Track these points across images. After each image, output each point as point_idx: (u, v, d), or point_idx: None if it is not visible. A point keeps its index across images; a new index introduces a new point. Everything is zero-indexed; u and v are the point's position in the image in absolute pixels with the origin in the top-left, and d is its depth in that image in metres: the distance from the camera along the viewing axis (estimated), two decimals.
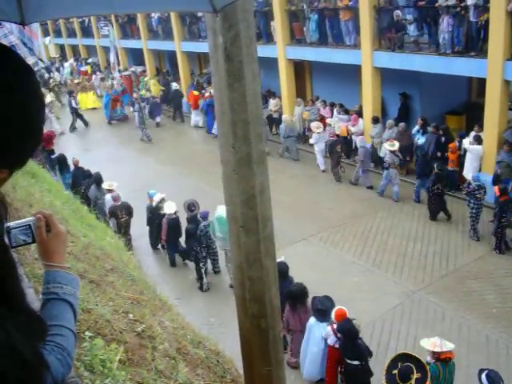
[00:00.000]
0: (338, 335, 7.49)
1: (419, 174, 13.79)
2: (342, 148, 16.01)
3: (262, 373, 3.34)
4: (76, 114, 24.91)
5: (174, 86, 24.65)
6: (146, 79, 26.91)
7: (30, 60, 9.11)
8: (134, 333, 3.27)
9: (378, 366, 7.36)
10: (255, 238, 3.03)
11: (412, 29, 14.67)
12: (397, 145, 14.02)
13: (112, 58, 25.64)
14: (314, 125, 16.89)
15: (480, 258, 11.12)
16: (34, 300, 2.40)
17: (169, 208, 11.45)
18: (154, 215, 12.21)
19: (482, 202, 11.59)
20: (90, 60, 35.40)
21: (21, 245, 1.54)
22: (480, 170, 12.86)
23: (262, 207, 2.99)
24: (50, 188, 7.56)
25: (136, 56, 30.47)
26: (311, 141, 16.99)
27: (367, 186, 15.09)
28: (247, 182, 2.90)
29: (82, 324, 2.87)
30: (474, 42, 12.93)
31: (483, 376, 6.20)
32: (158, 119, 23.85)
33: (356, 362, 7.24)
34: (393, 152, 13.91)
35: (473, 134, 13.38)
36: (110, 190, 12.40)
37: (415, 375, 6.13)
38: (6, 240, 1.45)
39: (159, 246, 12.72)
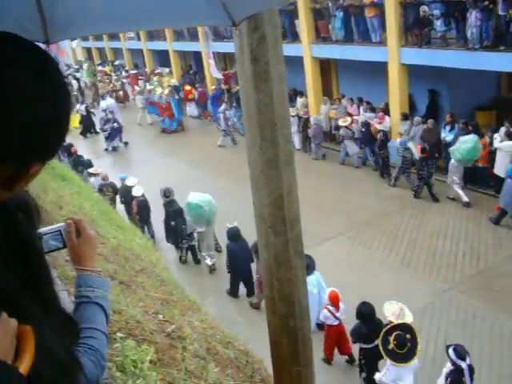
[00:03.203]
0: (339, 316, 7.92)
1: (366, 143, 16.19)
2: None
3: (292, 373, 3.34)
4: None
5: (173, 82, 25.69)
6: (155, 78, 27.33)
7: None
8: (164, 333, 3.31)
9: None
10: (284, 239, 3.03)
11: (439, 24, 14.42)
12: (349, 120, 16.46)
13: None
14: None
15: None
16: (67, 301, 2.44)
17: (137, 191, 12.94)
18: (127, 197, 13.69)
19: (408, 161, 14.30)
20: (116, 62, 35.76)
21: (52, 250, 1.56)
22: None
23: (290, 208, 2.99)
24: (79, 190, 7.68)
25: (161, 57, 30.73)
26: None
27: (314, 158, 17.72)
28: (275, 183, 2.90)
29: (113, 325, 2.91)
30: (503, 36, 12.69)
31: (450, 350, 6.52)
32: (114, 143, 22.23)
33: (375, 343, 7.09)
34: (346, 127, 16.37)
35: (503, 129, 13.15)
36: (94, 174, 14.66)
37: (407, 336, 6.52)
38: None
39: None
